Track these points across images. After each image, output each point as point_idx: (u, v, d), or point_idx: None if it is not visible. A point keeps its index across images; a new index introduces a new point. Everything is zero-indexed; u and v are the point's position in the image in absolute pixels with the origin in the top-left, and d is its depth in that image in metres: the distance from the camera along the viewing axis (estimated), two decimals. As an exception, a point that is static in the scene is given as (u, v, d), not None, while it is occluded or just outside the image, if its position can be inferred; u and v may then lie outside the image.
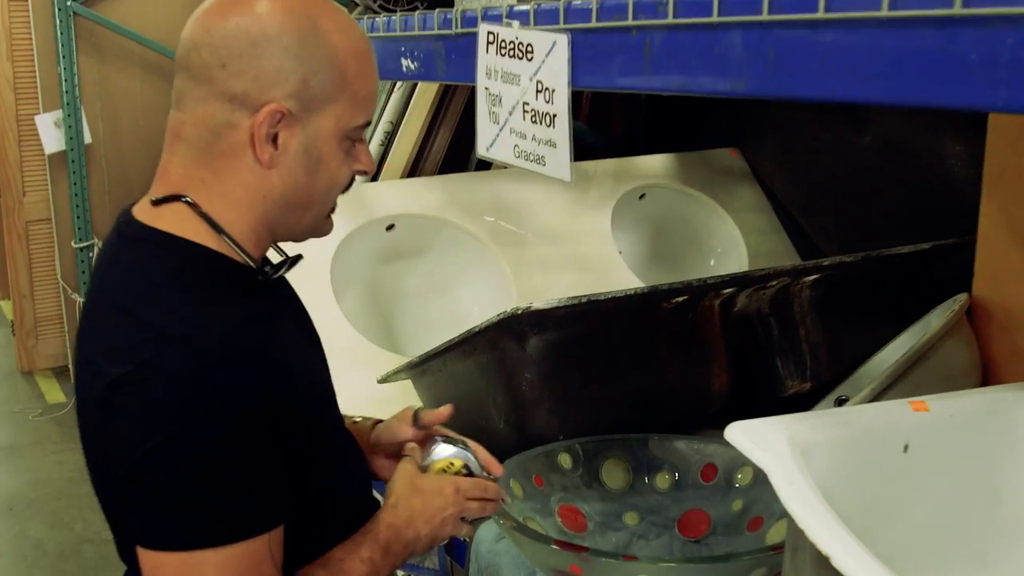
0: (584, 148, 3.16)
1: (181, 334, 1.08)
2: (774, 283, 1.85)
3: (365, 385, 2.02)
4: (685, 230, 2.86)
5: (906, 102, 0.88)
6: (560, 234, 2.56)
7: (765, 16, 1.00)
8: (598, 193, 2.69)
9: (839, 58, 0.94)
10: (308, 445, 1.18)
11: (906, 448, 1.24)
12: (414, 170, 3.03)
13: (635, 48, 1.19)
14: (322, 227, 1.27)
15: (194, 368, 1.06)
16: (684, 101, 3.07)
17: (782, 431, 1.15)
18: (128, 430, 1.08)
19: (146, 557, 1.09)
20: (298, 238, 1.28)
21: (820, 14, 0.94)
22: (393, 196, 2.46)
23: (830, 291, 1.94)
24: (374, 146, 3.18)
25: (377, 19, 1.84)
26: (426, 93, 2.99)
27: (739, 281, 1.79)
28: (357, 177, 1.27)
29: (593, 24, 1.25)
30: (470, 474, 1.39)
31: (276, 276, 1.23)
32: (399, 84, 3.12)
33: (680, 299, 1.73)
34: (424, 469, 1.36)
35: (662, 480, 1.68)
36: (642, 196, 2.80)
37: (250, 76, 1.13)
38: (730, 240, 2.81)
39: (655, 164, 2.88)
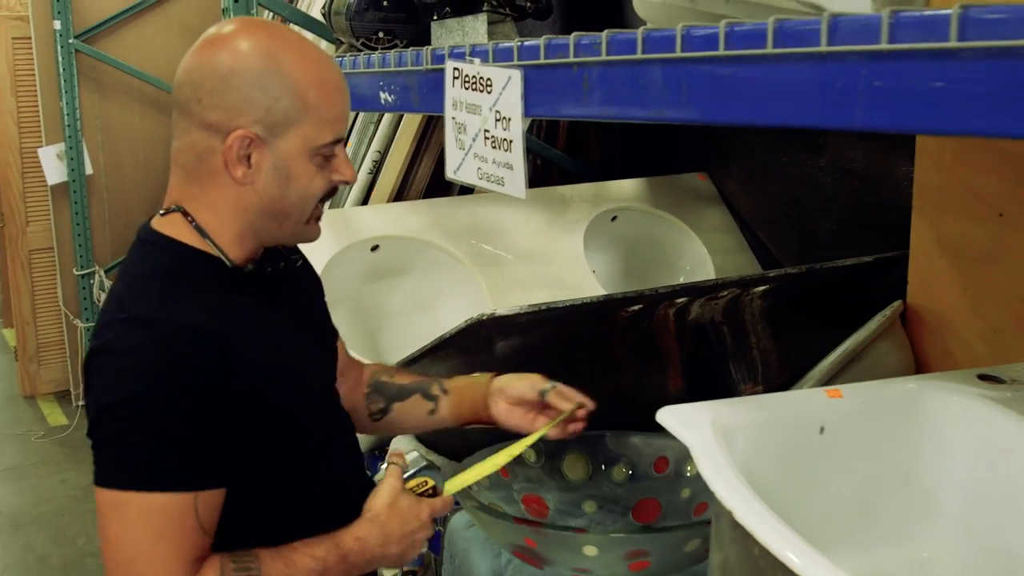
0: (562, 174, 3.34)
1: (145, 318, 1.29)
2: (725, 294, 2.01)
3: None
4: (655, 250, 3.02)
5: (788, 123, 1.05)
6: (535, 254, 2.72)
7: (678, 54, 1.17)
8: (572, 216, 2.86)
9: (736, 88, 1.11)
10: (267, 428, 1.34)
11: (822, 430, 1.40)
12: (400, 195, 3.21)
13: (576, 81, 1.36)
14: (305, 233, 1.44)
15: (147, 346, 1.27)
16: (656, 129, 3.25)
17: (707, 414, 1.31)
18: (93, 392, 1.30)
19: (95, 495, 1.29)
20: (286, 243, 1.47)
21: (720, 52, 1.11)
22: (377, 219, 2.63)
23: (779, 301, 2.10)
24: (363, 174, 3.36)
25: (359, 56, 2.02)
26: (410, 124, 3.17)
27: (690, 291, 1.95)
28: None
29: (541, 61, 1.42)
30: (435, 493, 1.51)
31: (251, 273, 1.40)
32: (386, 116, 3.30)
33: (635, 308, 1.90)
34: (403, 485, 1.47)
35: (619, 472, 1.84)
36: (614, 218, 2.97)
37: (221, 107, 1.32)
38: (698, 259, 2.97)
39: (627, 188, 3.05)
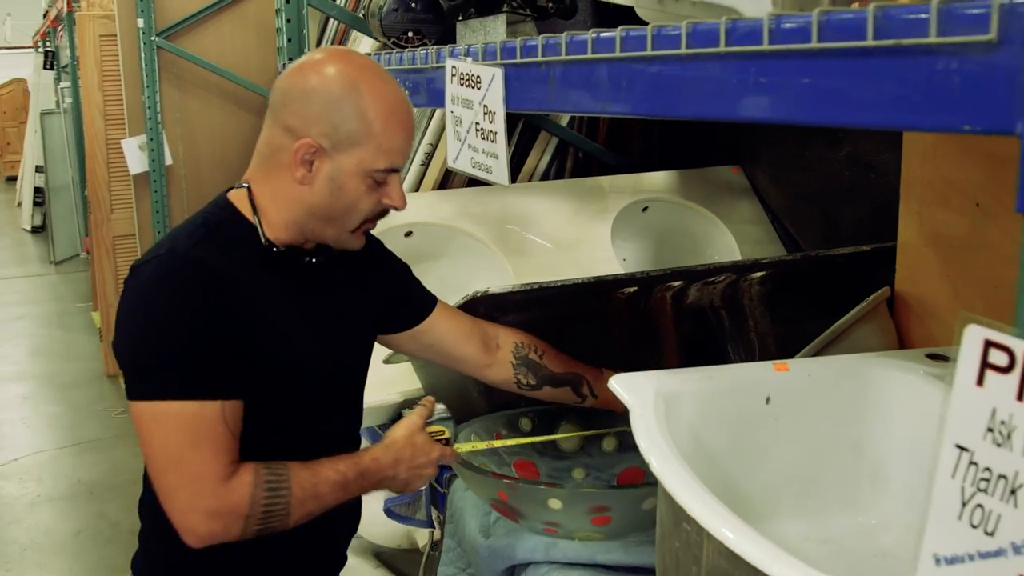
0: (602, 167, 3.46)
1: (171, 251, 1.52)
2: (722, 278, 2.13)
3: (375, 369, 2.33)
4: (685, 240, 3.14)
5: (698, 115, 1.18)
6: (564, 242, 2.86)
7: (618, 54, 1.30)
8: (601, 206, 2.99)
9: (660, 84, 1.24)
10: (249, 366, 1.53)
11: (768, 400, 1.51)
12: (444, 185, 3.37)
13: (543, 78, 1.50)
14: (348, 241, 1.65)
15: (162, 271, 1.50)
16: (694, 124, 3.36)
17: (652, 381, 1.44)
18: (119, 309, 1.53)
19: (131, 409, 1.50)
20: (329, 244, 1.66)
21: (648, 52, 1.24)
22: (412, 206, 2.78)
23: (777, 287, 2.21)
24: (416, 165, 3.52)
25: (381, 55, 2.17)
26: (455, 117, 3.32)
27: (683, 275, 2.07)
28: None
29: (518, 60, 1.56)
30: (447, 444, 1.74)
31: (280, 254, 1.61)
32: (437, 111, 3.45)
33: (631, 289, 2.03)
34: (424, 425, 1.71)
35: (608, 443, 1.97)
36: (645, 209, 3.09)
37: (300, 115, 1.55)
38: (727, 250, 3.07)
39: (659, 180, 3.17)
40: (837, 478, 1.59)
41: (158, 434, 1.46)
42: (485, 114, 1.69)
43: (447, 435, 1.74)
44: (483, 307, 1.90)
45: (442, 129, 3.50)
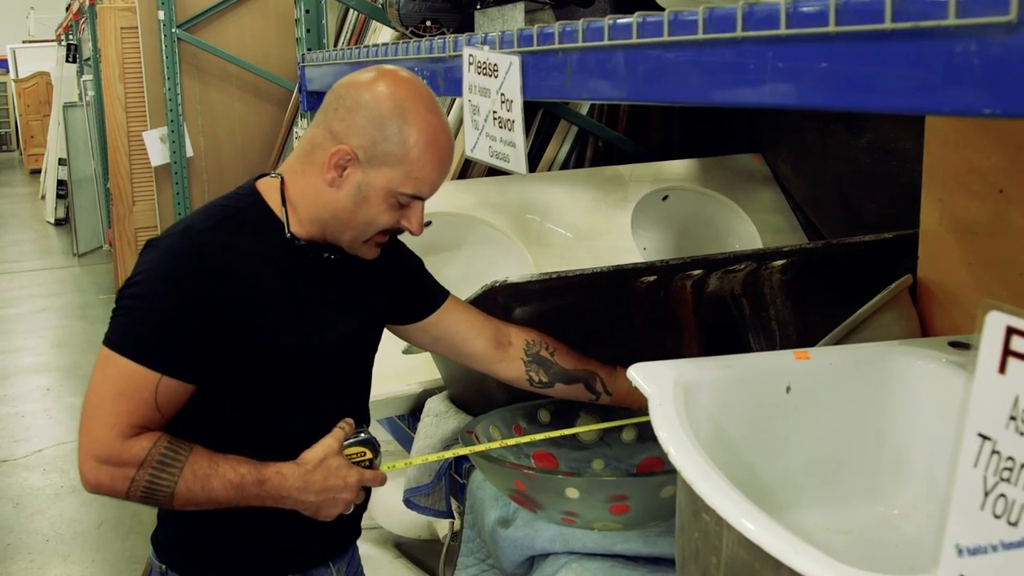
0: (622, 156, 3.45)
1: (184, 231, 1.59)
2: (742, 267, 2.11)
3: (394, 359, 2.33)
4: (706, 229, 3.12)
5: (714, 102, 1.17)
6: (583, 231, 2.84)
7: (634, 40, 1.29)
8: (621, 194, 2.97)
9: (678, 69, 1.23)
10: (246, 347, 1.59)
11: (788, 389, 1.50)
12: (464, 174, 3.37)
13: (560, 66, 1.49)
14: (359, 250, 1.69)
15: (169, 248, 1.57)
16: (715, 112, 3.34)
17: (670, 370, 1.43)
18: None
19: None
20: (344, 247, 1.69)
21: (665, 38, 1.23)
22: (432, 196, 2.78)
23: (798, 275, 2.19)
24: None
25: (399, 44, 2.17)
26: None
27: (703, 263, 2.05)
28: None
29: (535, 47, 1.55)
30: (371, 465, 1.67)
31: (300, 246, 1.65)
32: (457, 101, 3.45)
33: (650, 278, 2.01)
34: (341, 448, 1.64)
35: (627, 434, 1.96)
36: (665, 197, 3.07)
37: (345, 123, 1.60)
38: (749, 238, 3.05)
39: (680, 168, 3.15)
40: (858, 467, 1.57)
41: (97, 376, 1.56)
42: (503, 102, 1.68)
43: (368, 457, 1.66)
44: (502, 296, 1.90)
45: (461, 119, 3.50)
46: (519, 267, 2.72)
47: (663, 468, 1.86)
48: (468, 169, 3.36)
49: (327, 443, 1.62)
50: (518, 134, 1.66)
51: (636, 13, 1.30)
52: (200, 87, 5.41)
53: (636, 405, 1.91)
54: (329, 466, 1.60)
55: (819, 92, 1.02)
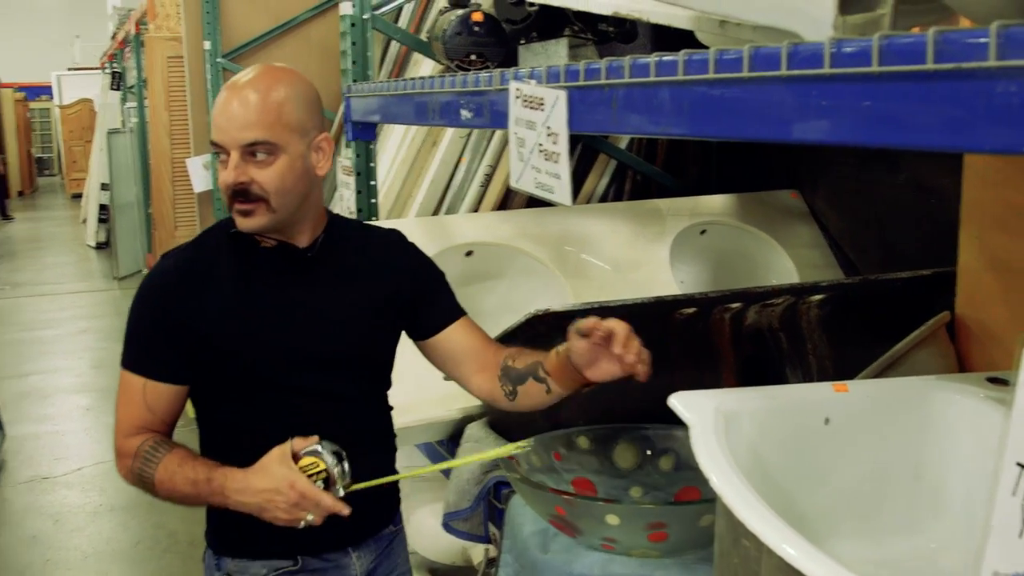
0: (660, 189, 3.49)
1: (162, 256, 1.85)
2: (780, 301, 2.14)
3: (435, 384, 2.36)
4: (744, 264, 3.14)
5: (760, 137, 1.20)
6: (621, 263, 2.88)
7: (680, 77, 1.33)
8: (659, 228, 3.01)
9: (723, 105, 1.26)
10: (211, 361, 1.76)
11: (827, 421, 1.52)
12: (504, 206, 3.41)
13: (606, 101, 1.53)
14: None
15: (153, 271, 1.82)
16: (752, 147, 3.37)
17: (712, 400, 1.45)
18: None
19: None
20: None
21: (710, 75, 1.27)
22: (472, 226, 2.83)
23: (836, 310, 2.21)
24: (475, 186, 3.57)
25: (445, 77, 2.22)
26: (515, 139, 3.36)
27: (742, 296, 2.08)
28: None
29: (581, 83, 1.59)
30: (327, 485, 1.65)
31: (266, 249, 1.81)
32: (497, 132, 3.50)
33: (690, 310, 2.04)
34: (295, 456, 1.65)
35: (665, 462, 1.98)
36: (703, 232, 3.10)
37: None
38: (785, 273, 3.08)
39: (718, 203, 3.18)
40: (897, 500, 1.58)
41: (119, 389, 1.82)
42: (548, 135, 1.72)
43: (321, 467, 1.65)
44: (544, 325, 1.93)
45: (502, 150, 3.55)
46: (559, 298, 2.75)
47: (700, 496, 1.89)
48: (508, 200, 3.41)
49: (276, 449, 1.67)
50: (563, 166, 1.70)
51: (682, 51, 1.34)
52: (244, 116, 5.47)
53: (573, 384, 1.78)
54: (269, 470, 1.65)
55: (862, 130, 1.05)
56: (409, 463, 3.24)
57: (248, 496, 1.66)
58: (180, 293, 1.76)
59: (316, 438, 1.68)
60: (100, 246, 13.45)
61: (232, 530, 1.85)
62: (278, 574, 1.85)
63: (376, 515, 1.94)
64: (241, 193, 1.71)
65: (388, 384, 1.97)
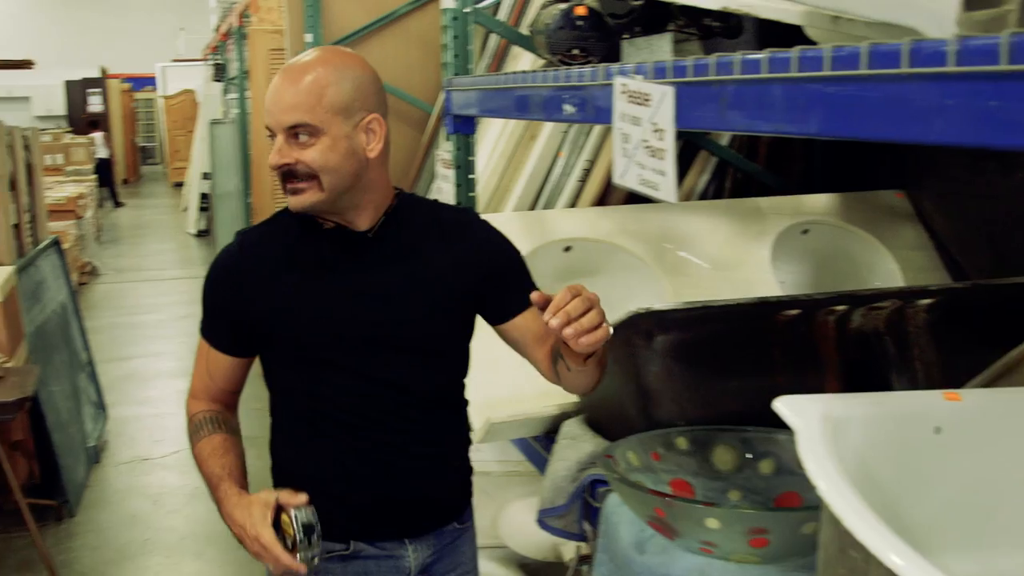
0: (761, 188, 3.43)
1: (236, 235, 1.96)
2: (886, 304, 2.09)
3: (532, 380, 2.35)
4: (846, 265, 3.08)
5: (878, 137, 1.17)
6: (722, 262, 2.84)
7: (793, 74, 1.30)
8: (762, 227, 2.96)
9: (839, 103, 1.23)
10: (253, 329, 1.85)
11: (937, 431, 1.48)
12: (603, 201, 3.39)
13: (715, 98, 1.50)
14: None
15: (221, 251, 1.92)
16: (857, 146, 3.30)
17: (819, 405, 1.42)
18: None
19: None
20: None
21: (825, 72, 1.24)
22: (571, 222, 2.81)
23: (945, 315, 2.14)
24: (573, 181, 3.56)
25: (548, 72, 2.21)
26: (614, 134, 3.34)
27: (848, 299, 2.03)
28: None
29: (689, 79, 1.57)
30: (293, 545, 1.69)
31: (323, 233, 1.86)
32: (595, 127, 3.48)
33: (793, 312, 2.00)
34: (281, 507, 1.73)
35: (766, 466, 1.95)
36: (806, 231, 3.05)
37: None
38: (889, 275, 3.00)
39: (821, 202, 3.12)
40: (1008, 514, 1.53)
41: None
42: (654, 131, 1.69)
43: (291, 532, 1.69)
44: (644, 324, 1.91)
45: (601, 145, 3.53)
46: (657, 296, 2.73)
47: (801, 503, 1.85)
48: (607, 195, 3.39)
49: (264, 494, 1.75)
50: (669, 163, 1.67)
51: (795, 48, 1.31)
52: (343, 108, 5.52)
53: (574, 355, 1.74)
54: (249, 511, 1.72)
55: (988, 131, 1.01)
56: (504, 457, 3.25)
57: (229, 521, 1.76)
58: (238, 273, 1.86)
59: (304, 498, 1.72)
60: (201, 234, 13.74)
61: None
62: (330, 556, 1.88)
63: (438, 509, 1.95)
64: (290, 173, 1.76)
65: (457, 374, 1.96)
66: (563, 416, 2.31)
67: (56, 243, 5.80)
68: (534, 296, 1.63)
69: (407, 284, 1.85)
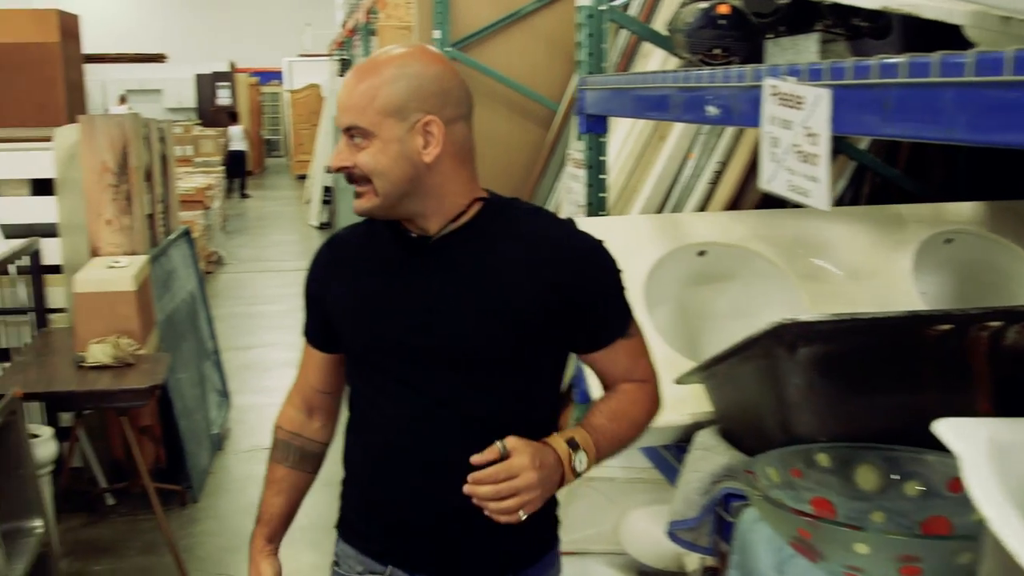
0: (901, 194, 3.31)
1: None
2: (1045, 321, 1.98)
3: (665, 387, 2.30)
4: (993, 277, 2.94)
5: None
6: (861, 271, 2.73)
7: (968, 78, 1.22)
8: (903, 235, 2.84)
9: (1020, 111, 1.15)
10: (326, 316, 1.91)
11: (1113, 460, 1.38)
12: (735, 205, 3.31)
13: (877, 102, 1.43)
14: None
15: (318, 248, 1.98)
16: (1005, 152, 3.15)
17: (984, 429, 1.34)
18: None
19: None
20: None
21: (1007, 76, 1.16)
22: (706, 226, 2.75)
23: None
24: (703, 183, 3.49)
25: (691, 72, 2.15)
26: (750, 137, 3.26)
27: (1004, 315, 1.93)
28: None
29: (848, 81, 1.50)
30: None
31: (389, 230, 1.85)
32: (728, 129, 3.40)
33: (944, 327, 1.91)
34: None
35: (911, 488, 1.86)
36: (949, 241, 2.92)
37: None
38: (1039, 290, 2.87)
39: (966, 210, 2.99)
40: None
41: None
42: (807, 136, 1.63)
43: None
44: (788, 334, 1.84)
45: (733, 147, 3.45)
46: (792, 304, 2.64)
47: (950, 529, 1.76)
48: (740, 200, 3.31)
49: (271, 566, 2.05)
50: (823, 169, 1.61)
51: (970, 50, 1.23)
52: (469, 105, 5.53)
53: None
54: (257, 570, 2.04)
55: None
56: (628, 463, 3.19)
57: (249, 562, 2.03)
58: (322, 270, 1.92)
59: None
60: (323, 226, 13.96)
61: (343, 510, 1.99)
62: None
63: (493, 553, 1.85)
64: (349, 176, 1.75)
65: (531, 400, 1.84)
66: (696, 425, 2.24)
67: (187, 233, 5.94)
68: (475, 457, 1.64)
69: (466, 296, 1.75)
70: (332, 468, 2.03)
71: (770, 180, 1.78)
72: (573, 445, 1.73)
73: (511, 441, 1.65)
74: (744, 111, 1.88)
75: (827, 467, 1.88)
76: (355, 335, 1.86)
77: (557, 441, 1.73)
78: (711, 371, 2.13)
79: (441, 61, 1.78)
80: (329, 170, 1.84)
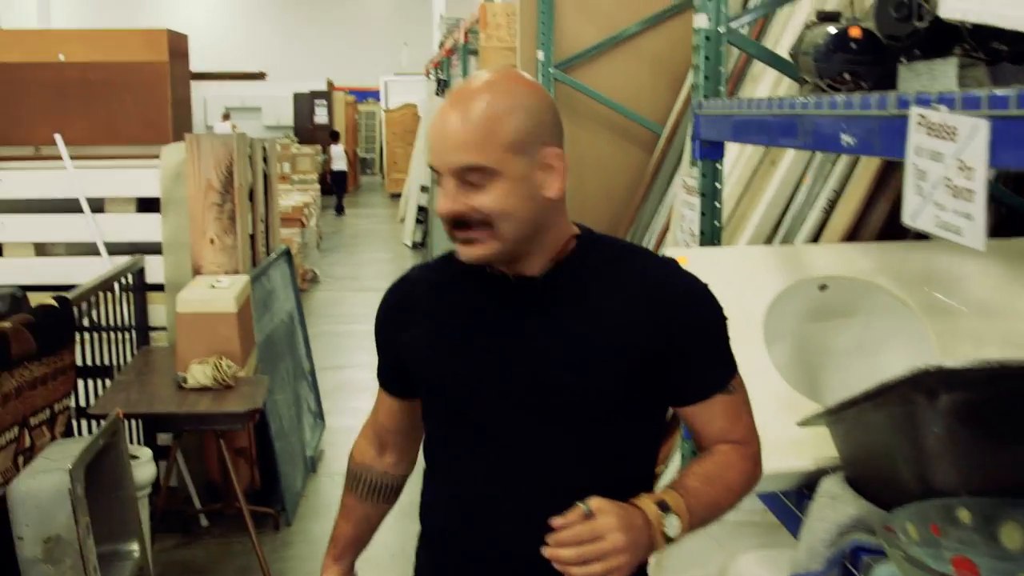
0: (1029, 225, 3.15)
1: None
2: None
3: (785, 429, 2.19)
4: None
5: None
6: (991, 308, 2.59)
7: None
8: (1035, 271, 2.70)
9: None
10: (404, 371, 1.79)
11: None
12: (853, 236, 3.18)
13: (1048, 134, 1.32)
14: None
15: (389, 288, 1.84)
16: None
17: None
18: None
19: None
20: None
21: None
22: (827, 258, 2.62)
23: None
24: (816, 211, 3.36)
25: (822, 98, 2.04)
26: (869, 165, 3.13)
27: None
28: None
29: (1012, 112, 1.38)
30: None
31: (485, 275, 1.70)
32: (843, 156, 3.28)
33: (1099, 375, 1.77)
34: None
35: (1061, 549, 1.73)
36: (1087, 277, 2.76)
37: None
38: None
39: (1103, 245, 2.82)
40: None
41: None
42: (960, 169, 1.51)
43: None
44: (929, 381, 1.72)
45: (849, 174, 3.32)
46: (919, 343, 2.51)
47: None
48: (858, 230, 3.18)
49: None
50: (978, 206, 1.49)
51: None
52: (571, 126, 5.44)
53: None
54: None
55: None
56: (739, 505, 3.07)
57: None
58: (393, 313, 1.80)
59: None
60: (416, 246, 14.02)
61: (419, 556, 1.91)
62: None
63: None
64: (461, 222, 1.56)
65: (632, 457, 1.71)
66: (819, 472, 2.12)
67: (287, 252, 5.95)
68: (556, 520, 1.48)
69: (570, 343, 1.63)
70: (414, 496, 1.94)
71: (915, 215, 1.67)
72: (664, 507, 1.56)
73: (595, 502, 1.48)
74: (885, 141, 1.77)
75: (968, 524, 1.75)
76: (436, 382, 1.72)
77: (646, 503, 1.56)
78: (839, 415, 2.01)
79: (539, 85, 1.65)
80: (444, 216, 1.60)
